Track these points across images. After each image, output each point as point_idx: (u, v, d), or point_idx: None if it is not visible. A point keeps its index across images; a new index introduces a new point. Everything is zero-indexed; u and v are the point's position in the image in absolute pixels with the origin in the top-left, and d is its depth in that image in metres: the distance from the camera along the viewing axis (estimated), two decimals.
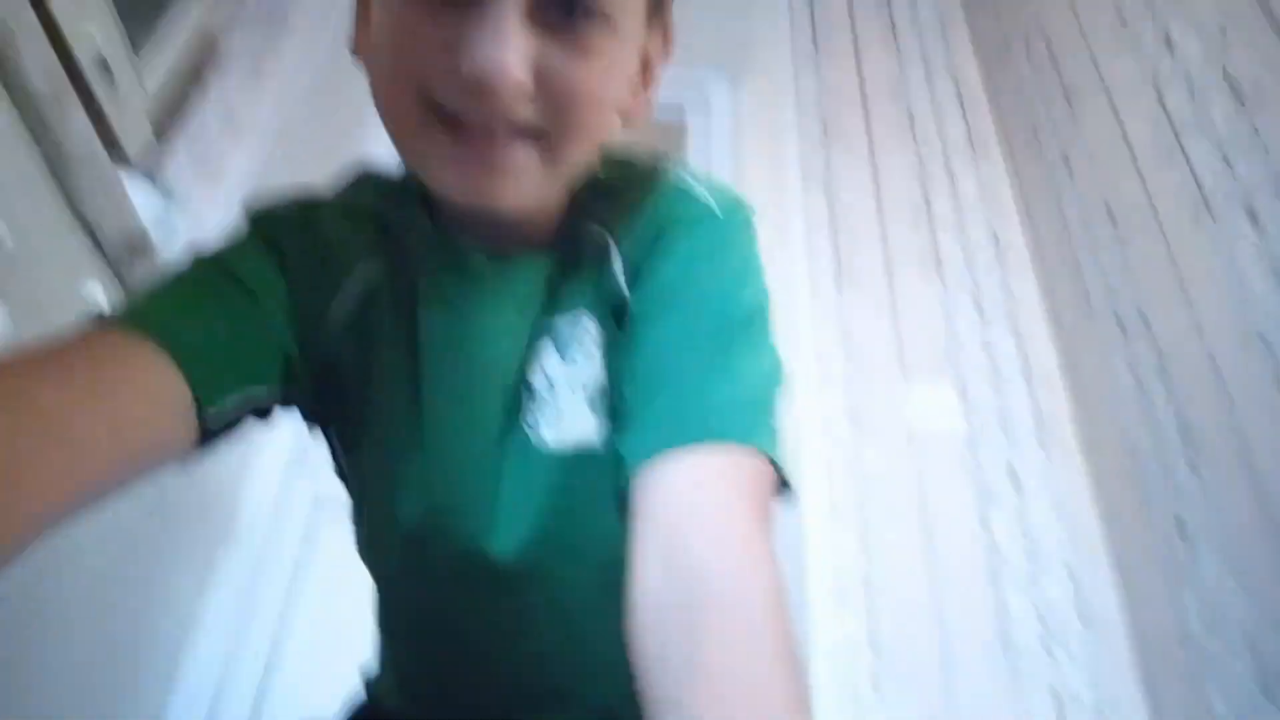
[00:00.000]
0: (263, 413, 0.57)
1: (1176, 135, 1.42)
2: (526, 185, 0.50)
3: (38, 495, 0.40)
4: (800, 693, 0.39)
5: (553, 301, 0.58)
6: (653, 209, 0.58)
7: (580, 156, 0.52)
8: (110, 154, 1.30)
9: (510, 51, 0.45)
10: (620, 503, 0.49)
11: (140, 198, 1.42)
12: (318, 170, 0.76)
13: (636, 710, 0.41)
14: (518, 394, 0.58)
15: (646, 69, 0.56)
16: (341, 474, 0.67)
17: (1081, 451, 1.66)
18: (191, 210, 1.70)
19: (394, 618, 0.72)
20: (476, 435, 0.58)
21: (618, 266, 0.57)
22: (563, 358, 0.58)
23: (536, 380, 0.58)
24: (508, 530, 0.58)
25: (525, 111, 0.47)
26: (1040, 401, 1.74)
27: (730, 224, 0.57)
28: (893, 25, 2.47)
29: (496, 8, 0.45)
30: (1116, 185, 1.60)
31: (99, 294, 1.20)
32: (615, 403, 0.56)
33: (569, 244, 0.59)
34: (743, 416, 0.49)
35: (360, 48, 0.53)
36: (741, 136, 2.30)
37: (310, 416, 0.63)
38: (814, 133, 2.16)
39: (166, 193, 1.62)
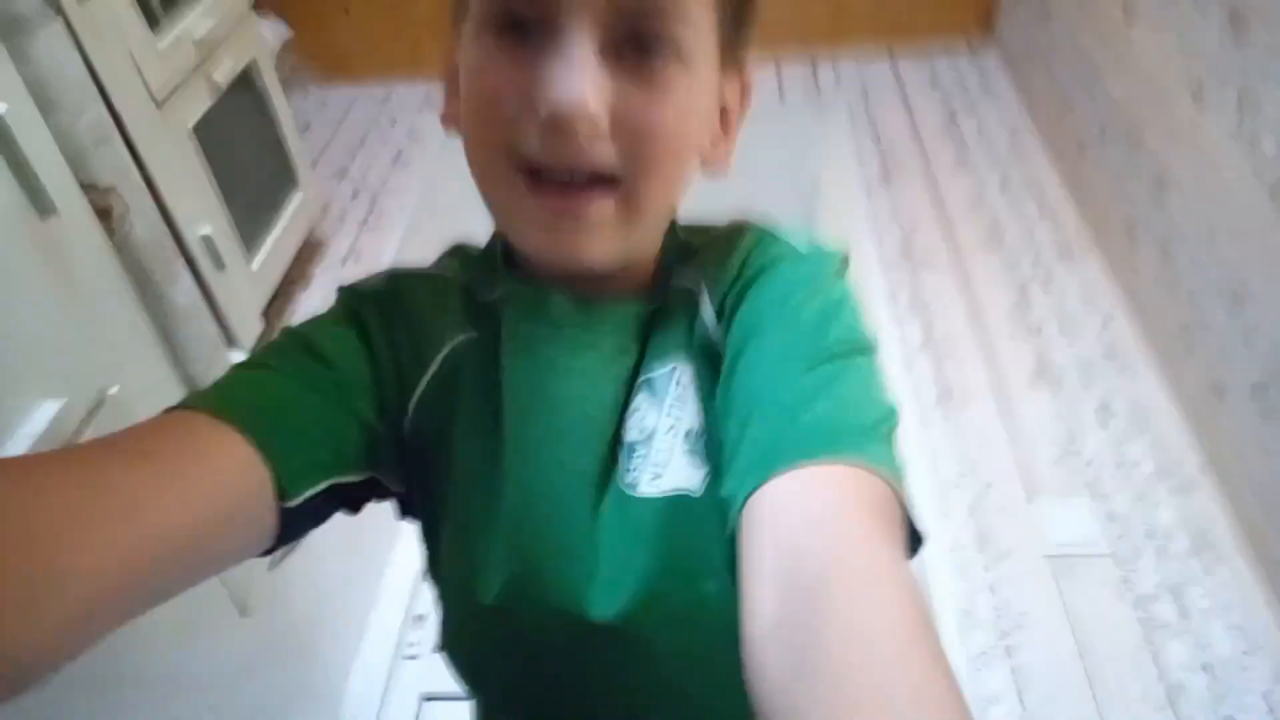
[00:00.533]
0: (351, 503, 0.55)
1: (1271, 195, 1.36)
2: (608, 238, 0.49)
3: (98, 570, 0.37)
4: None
5: (646, 354, 0.56)
6: (743, 254, 0.55)
7: (660, 202, 0.51)
8: (220, 336, 1.36)
9: (585, 83, 0.44)
10: (729, 547, 0.44)
11: None
12: None
13: None
14: (612, 449, 0.55)
15: (725, 117, 0.55)
16: (432, 569, 0.63)
17: (1249, 560, 1.50)
18: None
19: (489, 699, 0.66)
20: (567, 493, 0.55)
21: (708, 313, 0.55)
22: (660, 409, 0.55)
23: (631, 434, 0.55)
24: (608, 591, 0.53)
25: (602, 153, 0.47)
26: (1189, 509, 1.59)
27: (822, 262, 0.55)
28: (963, 143, 2.49)
29: (570, 45, 0.45)
30: (1224, 263, 1.52)
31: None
32: (715, 450, 0.52)
33: (659, 296, 0.57)
34: (856, 435, 0.45)
35: (450, 119, 0.54)
36: None
37: (403, 506, 0.60)
38: (894, 256, 2.15)
39: None
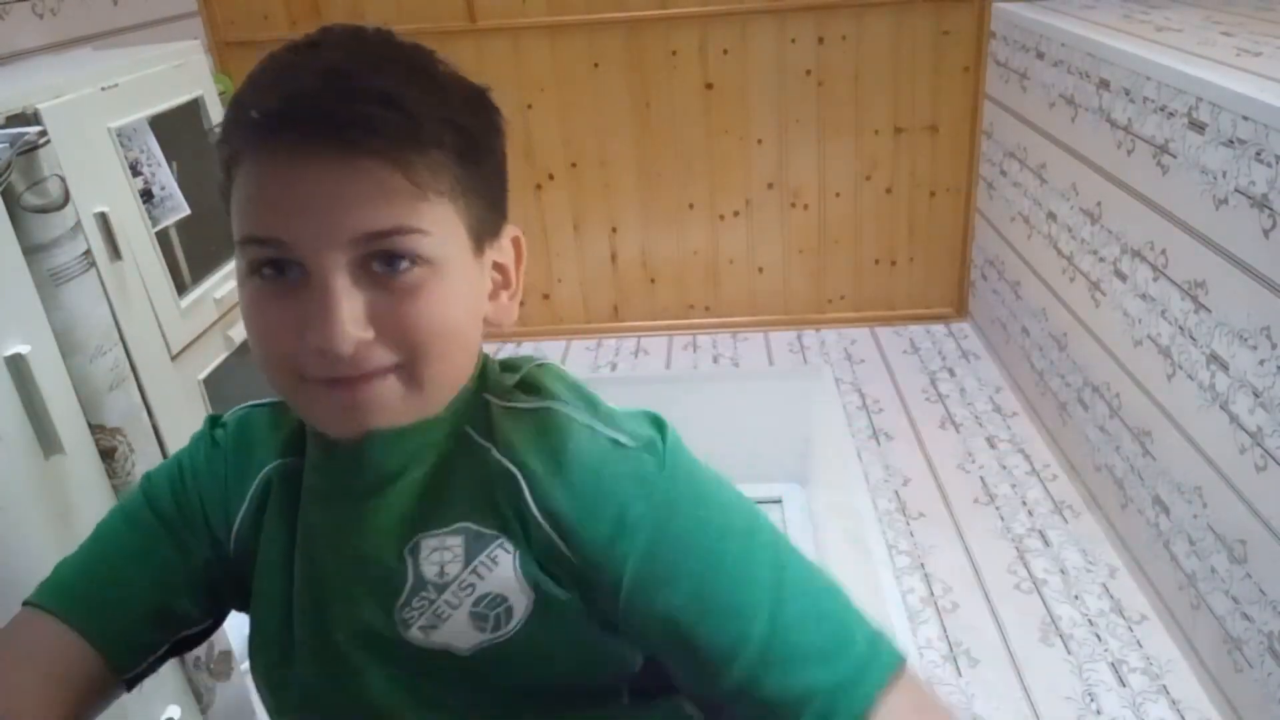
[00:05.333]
0: (194, 640, 0.64)
1: (1258, 441, 1.38)
2: (395, 410, 0.55)
3: None
4: None
5: (450, 498, 0.59)
6: (567, 460, 0.57)
7: (442, 375, 0.56)
8: None
9: (340, 323, 0.50)
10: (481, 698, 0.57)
11: (230, 622, 1.42)
12: None
13: None
14: (393, 583, 0.58)
15: (504, 271, 0.61)
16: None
17: None
18: None
19: None
20: (340, 628, 0.59)
21: (537, 513, 0.57)
22: (464, 564, 0.57)
23: (429, 571, 0.58)
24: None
25: (377, 357, 0.52)
26: None
27: (669, 466, 0.57)
28: (946, 404, 2.57)
29: (322, 288, 0.50)
30: (1218, 515, 1.53)
31: (177, 717, 1.15)
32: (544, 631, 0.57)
33: (464, 451, 0.60)
34: (856, 662, 0.53)
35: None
36: (822, 531, 2.31)
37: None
38: (891, 511, 2.15)
39: None
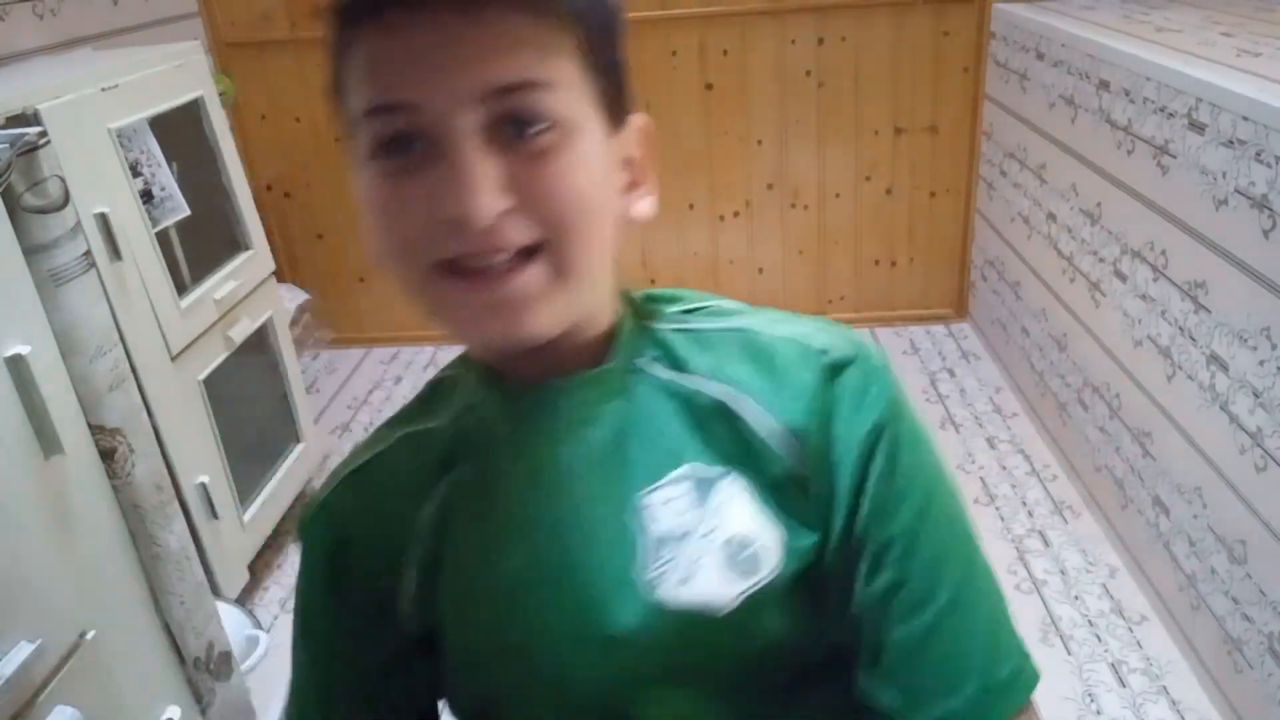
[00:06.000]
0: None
1: (1258, 442, 1.38)
2: (545, 308, 0.50)
3: None
4: None
5: (664, 454, 0.55)
6: (785, 374, 0.55)
7: (588, 261, 0.51)
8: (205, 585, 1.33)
9: (478, 190, 0.46)
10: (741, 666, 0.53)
11: (231, 623, 1.43)
12: None
13: None
14: (629, 542, 0.54)
15: (633, 166, 0.56)
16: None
17: None
18: (275, 642, 1.68)
19: None
20: (578, 591, 0.55)
21: (763, 434, 0.54)
22: (701, 510, 0.53)
23: (661, 527, 0.53)
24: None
25: (518, 232, 0.48)
26: None
27: (883, 371, 0.56)
28: (946, 405, 2.57)
29: (454, 152, 0.46)
30: (1218, 515, 1.53)
31: (177, 717, 1.15)
32: (787, 579, 0.54)
33: (654, 389, 0.57)
34: (1006, 663, 0.53)
35: (373, 254, 0.56)
36: None
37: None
38: None
39: (256, 624, 1.62)
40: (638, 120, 0.56)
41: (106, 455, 1.14)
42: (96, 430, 1.13)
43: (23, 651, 0.93)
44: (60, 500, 1.06)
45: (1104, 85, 1.93)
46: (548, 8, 0.48)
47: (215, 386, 1.83)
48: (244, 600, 1.90)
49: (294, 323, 2.56)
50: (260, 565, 2.05)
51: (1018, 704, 0.53)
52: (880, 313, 3.02)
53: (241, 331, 1.94)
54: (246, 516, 1.93)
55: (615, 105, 0.53)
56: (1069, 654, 1.73)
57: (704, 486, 0.54)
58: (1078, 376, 2.13)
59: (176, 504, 1.24)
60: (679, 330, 0.59)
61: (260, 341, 2.08)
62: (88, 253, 1.12)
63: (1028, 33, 2.36)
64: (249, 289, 1.99)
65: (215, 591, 1.58)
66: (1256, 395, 1.41)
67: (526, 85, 0.47)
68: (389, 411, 2.62)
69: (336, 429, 2.69)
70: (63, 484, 1.07)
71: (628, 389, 0.56)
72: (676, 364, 0.57)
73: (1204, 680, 1.63)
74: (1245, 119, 1.41)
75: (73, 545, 1.07)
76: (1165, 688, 1.65)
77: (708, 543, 0.53)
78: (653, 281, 2.99)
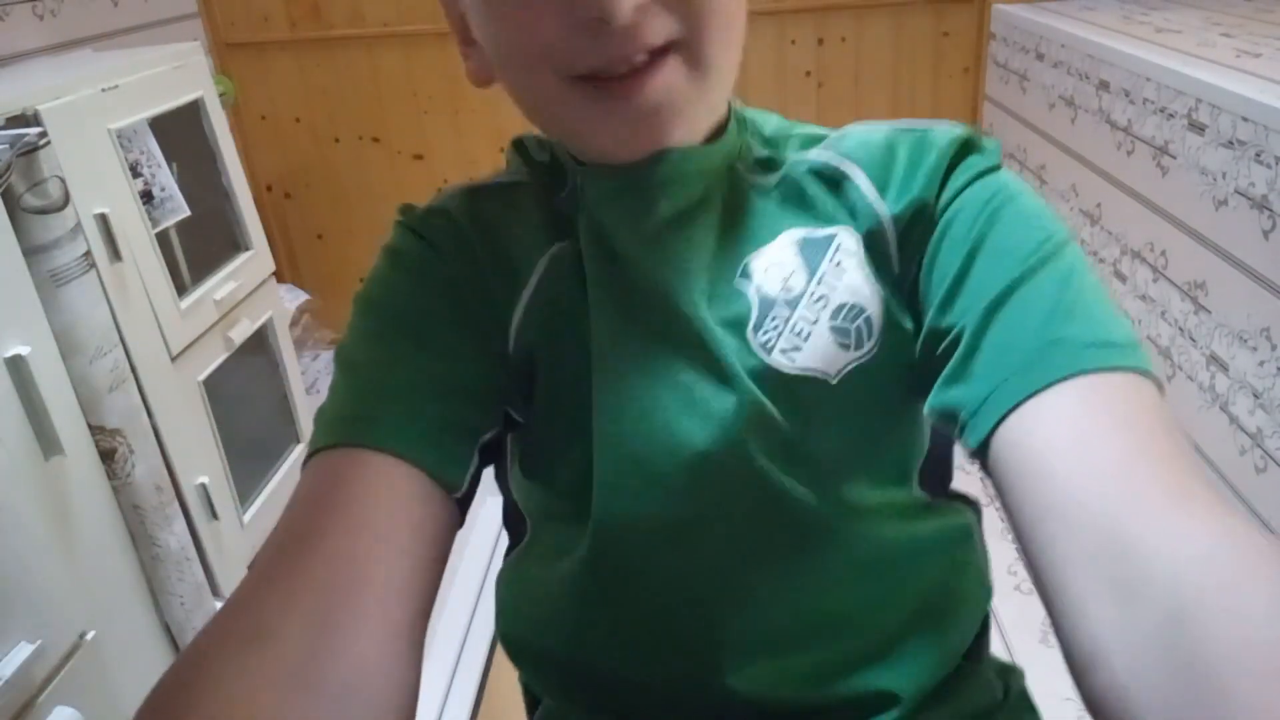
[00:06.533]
0: (497, 450, 0.56)
1: (1258, 443, 1.39)
2: (685, 110, 0.48)
3: (373, 642, 0.40)
4: None
5: (767, 219, 0.53)
6: (896, 143, 0.53)
7: (726, 53, 0.48)
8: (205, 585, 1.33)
9: None
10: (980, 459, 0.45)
11: None
12: None
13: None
14: (737, 310, 0.52)
15: None
16: (520, 484, 0.61)
17: None
18: None
19: (597, 579, 0.58)
20: (683, 353, 0.51)
21: (869, 192, 0.52)
22: (810, 274, 0.51)
23: (771, 288, 0.51)
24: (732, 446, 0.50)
25: (656, 28, 0.44)
26: None
27: (994, 153, 0.53)
28: None
29: None
30: None
31: None
32: (892, 334, 0.51)
33: (755, 170, 0.55)
34: (1116, 337, 0.43)
35: (479, 74, 0.53)
36: None
37: (511, 426, 0.58)
38: None
39: None
40: None
41: (106, 456, 1.14)
42: (96, 431, 1.13)
43: (23, 652, 0.93)
44: (60, 501, 1.06)
45: (1104, 86, 1.93)
46: None
47: (215, 387, 1.83)
48: None
49: (294, 324, 2.56)
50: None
51: (1141, 366, 0.43)
52: None
53: (241, 332, 1.94)
54: (246, 517, 1.93)
55: None
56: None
57: (811, 249, 0.52)
58: None
59: (176, 504, 1.24)
60: (784, 133, 0.57)
61: (260, 342, 2.08)
62: (88, 253, 1.12)
63: (1027, 33, 2.36)
64: (249, 289, 1.98)
65: (215, 592, 1.57)
66: (1256, 396, 1.41)
67: None
68: None
69: None
70: (63, 485, 1.07)
71: (724, 173, 0.55)
72: (778, 152, 0.56)
73: None
74: (1245, 120, 1.41)
75: (73, 546, 1.07)
76: None
77: (816, 308, 0.51)
78: None
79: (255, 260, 2.03)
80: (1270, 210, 1.35)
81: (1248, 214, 1.41)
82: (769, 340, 0.51)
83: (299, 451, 2.21)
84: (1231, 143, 1.45)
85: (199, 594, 1.26)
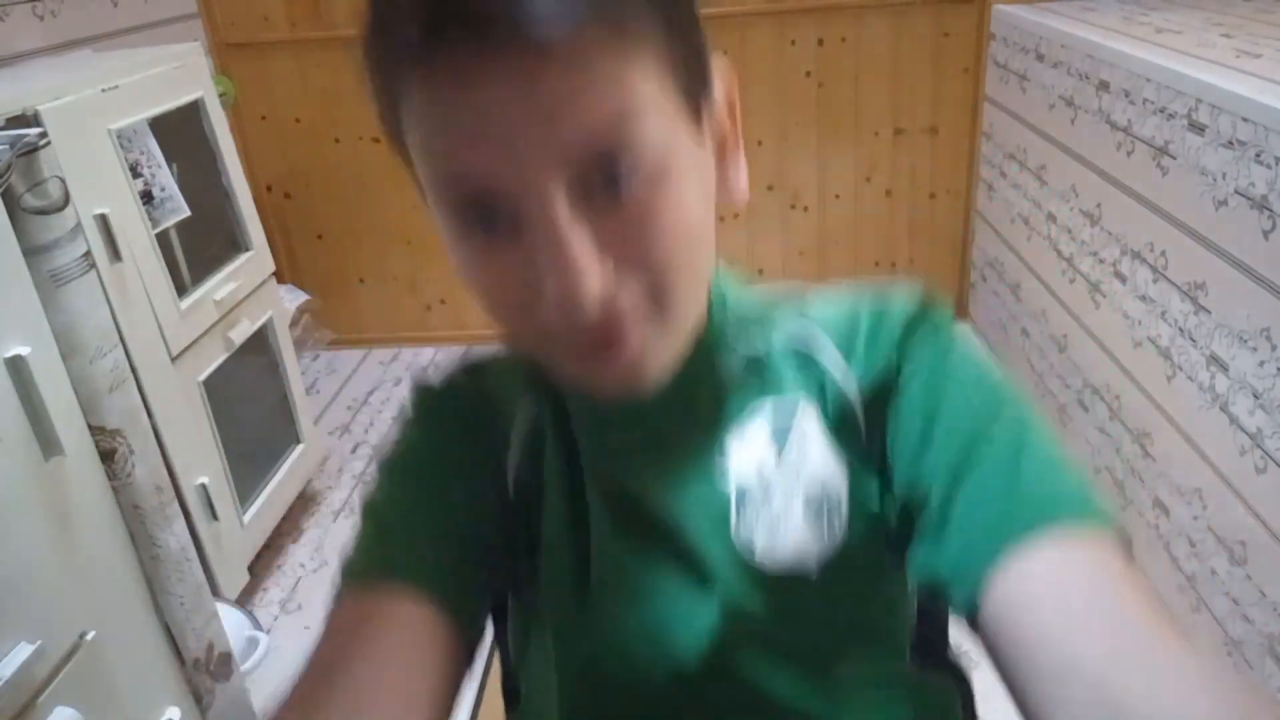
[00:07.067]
0: (500, 610, 0.60)
1: (1258, 443, 1.39)
2: (662, 352, 0.48)
3: None
4: None
5: (750, 386, 0.55)
6: (859, 314, 0.55)
7: (693, 287, 0.49)
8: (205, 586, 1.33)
9: (584, 271, 0.42)
10: (967, 618, 0.46)
11: (230, 624, 1.43)
12: None
13: None
14: (717, 504, 0.53)
15: (722, 146, 0.52)
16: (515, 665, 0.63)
17: None
18: (275, 643, 1.68)
19: None
20: (675, 546, 0.53)
21: (834, 363, 0.54)
22: (782, 456, 0.53)
23: (744, 471, 0.53)
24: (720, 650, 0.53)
25: (624, 293, 0.44)
26: None
27: (949, 321, 0.55)
28: None
29: (547, 228, 0.42)
30: (1219, 517, 1.53)
31: (177, 718, 1.15)
32: (861, 516, 0.53)
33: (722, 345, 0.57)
34: (1078, 491, 0.46)
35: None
36: None
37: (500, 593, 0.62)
38: None
39: (256, 625, 1.62)
40: (717, 69, 0.50)
41: (106, 456, 1.14)
42: (96, 431, 1.13)
43: (23, 652, 0.93)
44: (60, 501, 1.06)
45: (1104, 86, 1.93)
46: (626, 9, 0.42)
47: (215, 387, 1.83)
48: (244, 601, 1.90)
49: (294, 324, 2.56)
50: (260, 566, 2.05)
51: (1102, 517, 0.46)
52: None
53: (241, 332, 1.94)
54: (246, 517, 1.93)
55: (698, 77, 0.47)
56: None
57: (780, 415, 0.54)
58: (1078, 378, 2.13)
59: (176, 505, 1.24)
60: (760, 313, 0.59)
61: (260, 342, 2.08)
62: (88, 253, 1.12)
63: (1027, 34, 2.36)
64: (249, 290, 1.99)
65: (215, 592, 1.58)
66: (1256, 396, 1.41)
67: (613, 126, 0.42)
68: (389, 413, 2.62)
69: (336, 430, 2.69)
70: (63, 485, 1.07)
71: (711, 359, 0.56)
72: (753, 335, 0.58)
73: None
74: (1245, 120, 1.41)
75: (73, 546, 1.07)
76: None
77: (790, 488, 0.53)
78: None
79: (255, 260, 2.03)
80: (1270, 210, 1.36)
81: (1248, 214, 1.41)
82: (748, 533, 0.53)
83: (299, 452, 2.21)
84: (1231, 143, 1.45)
85: (199, 594, 1.25)
